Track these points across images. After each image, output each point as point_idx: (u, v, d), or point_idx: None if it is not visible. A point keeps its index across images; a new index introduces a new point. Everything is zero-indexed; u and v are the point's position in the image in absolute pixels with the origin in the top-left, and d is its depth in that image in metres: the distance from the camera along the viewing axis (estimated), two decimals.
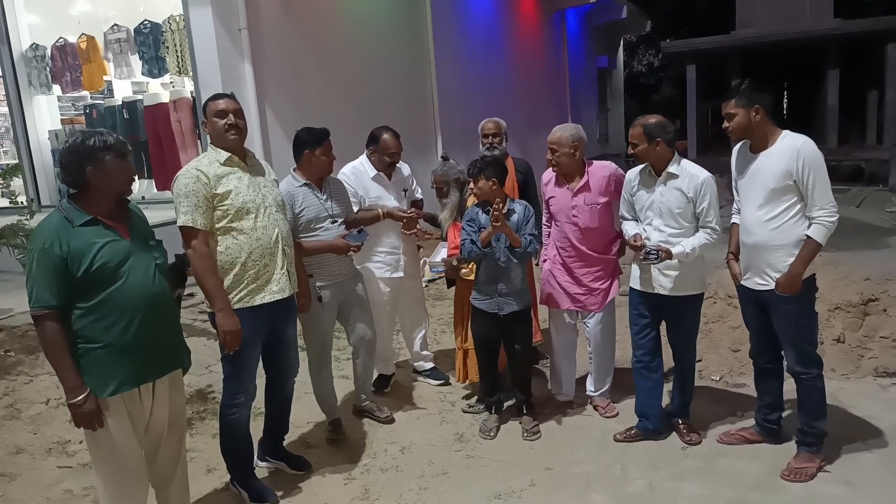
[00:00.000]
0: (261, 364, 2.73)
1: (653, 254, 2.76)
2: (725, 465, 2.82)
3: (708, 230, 2.84)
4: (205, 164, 2.48)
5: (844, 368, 3.68)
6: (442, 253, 3.52)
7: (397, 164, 3.57)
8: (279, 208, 2.64)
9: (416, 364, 3.94)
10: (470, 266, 3.28)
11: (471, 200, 3.35)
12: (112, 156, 2.03)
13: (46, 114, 6.86)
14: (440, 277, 3.59)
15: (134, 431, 2.11)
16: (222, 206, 2.46)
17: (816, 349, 2.73)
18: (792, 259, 2.57)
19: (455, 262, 3.28)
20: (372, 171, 3.48)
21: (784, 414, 2.96)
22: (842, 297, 4.05)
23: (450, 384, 3.80)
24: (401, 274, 3.57)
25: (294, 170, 3.09)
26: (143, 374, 2.11)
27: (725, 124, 2.68)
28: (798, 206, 2.57)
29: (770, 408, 2.93)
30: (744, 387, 3.54)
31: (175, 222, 2.45)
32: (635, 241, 2.86)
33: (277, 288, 2.57)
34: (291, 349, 2.80)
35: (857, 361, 3.73)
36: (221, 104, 2.54)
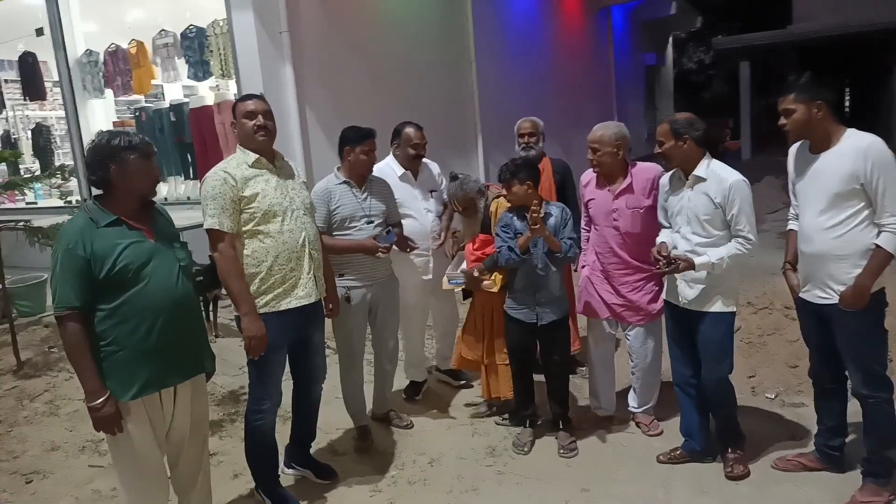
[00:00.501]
0: (288, 369, 2.68)
1: (671, 262, 2.57)
2: (780, 494, 2.60)
3: (740, 240, 2.58)
4: (232, 167, 2.46)
5: None
6: (462, 264, 3.31)
7: (424, 161, 3.48)
8: (307, 211, 2.59)
9: (438, 363, 3.83)
10: (493, 277, 3.10)
11: (497, 205, 3.21)
12: (136, 156, 2.03)
13: (101, 117, 7.11)
14: (459, 289, 3.31)
15: (154, 437, 2.09)
16: (249, 208, 2.42)
17: (886, 370, 2.48)
18: (857, 270, 2.33)
19: (477, 273, 3.09)
20: (399, 171, 3.40)
21: (848, 439, 2.70)
22: None
23: (472, 386, 3.68)
24: (430, 276, 3.46)
25: (338, 168, 3.07)
26: (165, 378, 2.09)
27: (782, 121, 2.44)
28: (865, 213, 2.33)
29: (832, 432, 2.68)
30: (802, 406, 3.28)
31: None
32: (659, 251, 2.65)
33: (304, 293, 2.52)
34: (318, 355, 2.74)
35: None
36: (250, 105, 2.50)
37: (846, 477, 2.62)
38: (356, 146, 2.96)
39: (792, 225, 2.65)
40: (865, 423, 2.50)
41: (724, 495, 2.62)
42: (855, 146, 2.32)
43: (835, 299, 2.40)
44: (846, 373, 2.56)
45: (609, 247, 3.06)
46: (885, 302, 2.45)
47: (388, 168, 3.41)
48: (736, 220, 2.57)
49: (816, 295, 2.48)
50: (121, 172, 2.00)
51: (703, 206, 2.61)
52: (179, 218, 2.28)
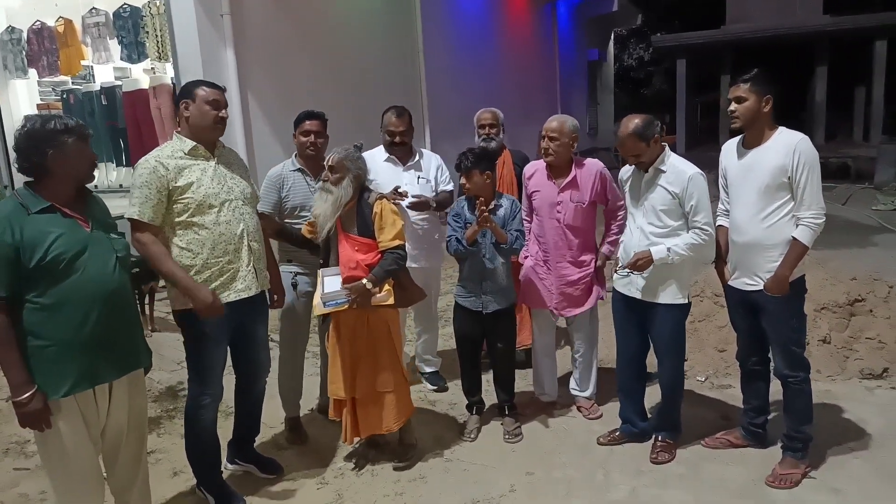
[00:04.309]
0: (230, 363, 2.62)
1: (625, 270, 2.78)
2: (710, 471, 2.76)
3: (697, 230, 2.68)
4: (166, 154, 2.36)
5: (830, 370, 3.64)
6: (333, 282, 2.63)
7: (422, 151, 3.50)
8: (247, 202, 2.51)
9: (417, 364, 3.77)
10: (387, 288, 2.65)
11: (381, 206, 2.70)
12: (74, 139, 1.94)
13: (24, 99, 6.67)
14: (339, 310, 2.62)
15: (88, 434, 2.00)
16: (183, 199, 2.33)
17: (804, 352, 2.67)
18: (782, 259, 2.50)
19: (368, 284, 2.59)
20: (383, 155, 3.39)
21: (770, 417, 2.90)
22: (828, 296, 4.01)
23: (446, 389, 3.63)
24: (414, 265, 3.21)
25: (295, 154, 3.07)
26: (99, 373, 2.00)
27: (732, 107, 2.55)
28: (791, 205, 2.50)
29: (756, 411, 2.86)
30: (729, 388, 3.48)
31: None
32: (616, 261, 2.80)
33: (243, 286, 2.46)
34: (262, 348, 2.69)
35: (843, 363, 3.69)
36: (215, 94, 2.42)
37: (768, 452, 2.82)
38: (296, 130, 3.00)
39: (721, 221, 2.79)
40: (785, 401, 2.68)
41: (660, 474, 2.76)
42: (786, 142, 2.48)
43: (761, 286, 2.56)
44: (769, 355, 2.74)
45: (550, 238, 3.14)
46: (804, 289, 2.64)
47: (376, 152, 3.38)
48: (694, 211, 2.66)
49: (745, 282, 2.64)
50: (59, 157, 1.91)
51: (661, 197, 2.70)
52: (111, 207, 2.17)
